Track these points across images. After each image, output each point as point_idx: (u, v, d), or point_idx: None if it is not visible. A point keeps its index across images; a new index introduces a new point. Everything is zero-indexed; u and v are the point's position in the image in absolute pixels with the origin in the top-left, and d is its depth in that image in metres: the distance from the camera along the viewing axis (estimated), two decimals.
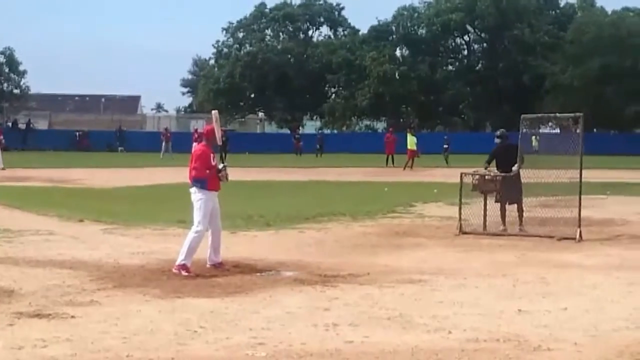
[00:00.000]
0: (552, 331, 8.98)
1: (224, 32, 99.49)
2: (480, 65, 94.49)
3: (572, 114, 17.86)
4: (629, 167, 45.46)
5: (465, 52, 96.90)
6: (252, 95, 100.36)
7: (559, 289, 11.51)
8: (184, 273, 12.32)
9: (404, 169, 46.16)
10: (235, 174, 30.99)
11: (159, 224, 18.39)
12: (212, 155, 13.19)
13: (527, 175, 18.33)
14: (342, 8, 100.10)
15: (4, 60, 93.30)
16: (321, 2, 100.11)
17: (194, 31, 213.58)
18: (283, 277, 12.25)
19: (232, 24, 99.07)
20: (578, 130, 17.62)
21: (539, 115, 17.88)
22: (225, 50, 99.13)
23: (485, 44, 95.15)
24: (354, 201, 24.82)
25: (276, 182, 33.59)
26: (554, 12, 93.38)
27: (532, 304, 10.44)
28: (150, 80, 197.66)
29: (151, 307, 10.13)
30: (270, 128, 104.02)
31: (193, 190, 13.01)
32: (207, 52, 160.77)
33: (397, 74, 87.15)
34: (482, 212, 17.97)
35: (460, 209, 17.78)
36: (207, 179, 12.95)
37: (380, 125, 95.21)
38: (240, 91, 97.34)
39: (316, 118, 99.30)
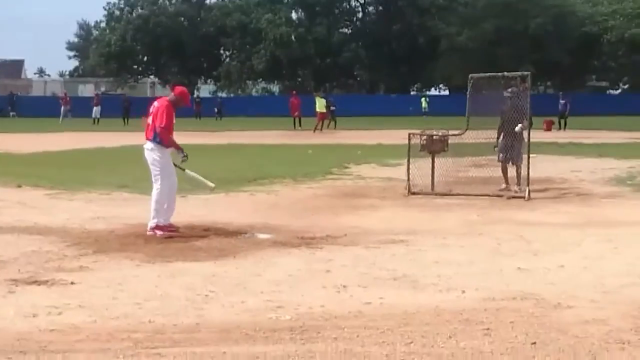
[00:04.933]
0: (563, 288, 8.94)
1: None
2: (375, 27, 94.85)
3: (519, 73, 17.95)
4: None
5: (360, 15, 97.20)
6: (145, 59, 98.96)
7: (543, 246, 11.52)
8: (158, 233, 12.10)
9: (314, 131, 46.20)
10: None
11: (101, 189, 17.93)
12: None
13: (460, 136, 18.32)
14: None
15: None
16: None
17: None
18: (262, 240, 12.02)
19: None
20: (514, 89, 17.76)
21: (488, 74, 17.80)
22: (117, 12, 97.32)
23: (380, 6, 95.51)
24: (285, 164, 24.63)
25: (195, 146, 32.99)
26: None
27: (526, 262, 10.41)
28: (32, 44, 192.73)
29: (147, 271, 9.83)
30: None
31: (149, 146, 12.55)
32: (93, 16, 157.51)
33: (293, 37, 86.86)
34: (430, 172, 17.99)
35: (408, 169, 17.79)
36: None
37: (276, 89, 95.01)
38: (132, 55, 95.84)
39: (211, 82, 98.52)
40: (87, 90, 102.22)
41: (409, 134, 18.22)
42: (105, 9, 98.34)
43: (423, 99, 78.06)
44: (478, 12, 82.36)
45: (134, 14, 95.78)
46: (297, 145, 33.71)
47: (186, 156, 12.76)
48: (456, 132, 18.16)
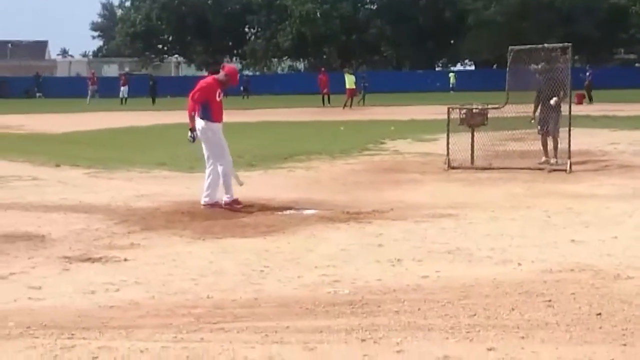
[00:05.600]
0: (620, 260, 8.83)
1: None
2: (401, 2, 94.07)
3: (560, 44, 17.74)
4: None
5: None
6: (170, 38, 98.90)
7: (594, 218, 11.41)
8: (235, 206, 12.40)
9: (344, 107, 46.11)
10: (175, 116, 30.15)
11: (140, 168, 17.94)
12: (218, 91, 12.78)
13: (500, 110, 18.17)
14: None
15: None
16: None
17: None
18: (309, 215, 11.96)
19: None
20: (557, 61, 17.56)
21: (528, 47, 17.57)
22: None
23: None
24: (319, 140, 24.60)
25: (225, 124, 33.04)
26: None
27: (579, 234, 10.30)
28: (55, 25, 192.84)
29: (199, 248, 9.79)
30: (187, 71, 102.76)
31: (200, 125, 12.63)
32: None
33: (319, 14, 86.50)
34: (468, 147, 17.87)
35: (448, 144, 17.67)
36: (212, 111, 12.59)
37: (302, 66, 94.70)
38: (157, 34, 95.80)
39: (236, 60, 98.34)
40: (111, 70, 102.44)
41: (448, 108, 18.10)
42: None
43: (452, 75, 77.71)
44: None
45: None
46: (329, 122, 33.68)
47: (193, 138, 12.66)
48: (495, 105, 18.00)
